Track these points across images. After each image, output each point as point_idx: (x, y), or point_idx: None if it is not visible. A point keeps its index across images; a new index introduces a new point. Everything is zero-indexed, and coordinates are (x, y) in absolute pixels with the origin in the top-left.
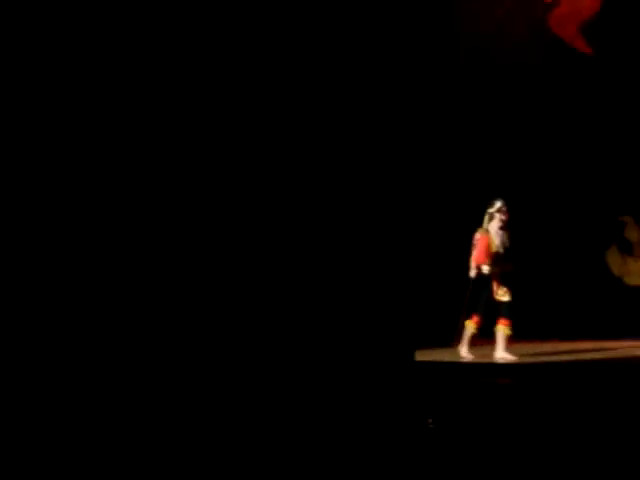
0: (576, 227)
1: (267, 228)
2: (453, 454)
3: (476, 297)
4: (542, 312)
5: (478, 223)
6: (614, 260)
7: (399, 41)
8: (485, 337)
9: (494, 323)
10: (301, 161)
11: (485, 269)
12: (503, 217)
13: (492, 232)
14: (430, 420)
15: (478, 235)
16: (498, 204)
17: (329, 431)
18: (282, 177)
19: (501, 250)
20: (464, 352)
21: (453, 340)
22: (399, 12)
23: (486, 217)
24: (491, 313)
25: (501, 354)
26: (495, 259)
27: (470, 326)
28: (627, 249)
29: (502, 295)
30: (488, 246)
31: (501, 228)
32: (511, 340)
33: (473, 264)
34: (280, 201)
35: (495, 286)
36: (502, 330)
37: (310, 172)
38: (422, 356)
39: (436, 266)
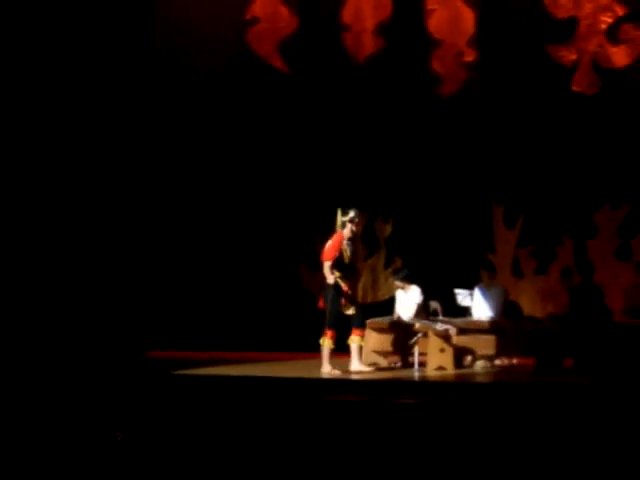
0: (275, 243)
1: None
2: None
3: (327, 310)
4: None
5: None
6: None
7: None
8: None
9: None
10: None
11: (330, 278)
12: (354, 228)
13: (343, 242)
14: (119, 433)
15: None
16: (352, 213)
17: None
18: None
19: (347, 261)
20: (328, 368)
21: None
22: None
23: (337, 225)
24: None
25: (356, 367)
26: (346, 271)
27: (327, 342)
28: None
29: (348, 309)
30: (340, 244)
31: (350, 239)
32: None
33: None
34: None
35: (344, 299)
36: (357, 341)
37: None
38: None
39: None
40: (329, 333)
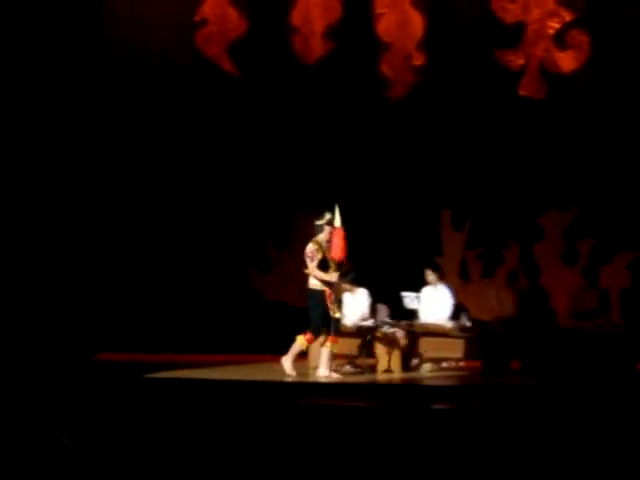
0: (222, 245)
1: None
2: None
3: (317, 315)
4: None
5: None
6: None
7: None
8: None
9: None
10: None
11: (334, 276)
12: (332, 230)
13: (323, 244)
14: (66, 436)
15: (311, 246)
16: (328, 216)
17: None
18: None
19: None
20: (289, 368)
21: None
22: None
23: (337, 221)
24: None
25: (324, 372)
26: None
27: (301, 341)
28: (266, 265)
29: (334, 312)
30: (345, 241)
31: (329, 241)
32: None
33: (311, 269)
34: None
35: (329, 301)
36: (329, 347)
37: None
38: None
39: None
40: (309, 336)
